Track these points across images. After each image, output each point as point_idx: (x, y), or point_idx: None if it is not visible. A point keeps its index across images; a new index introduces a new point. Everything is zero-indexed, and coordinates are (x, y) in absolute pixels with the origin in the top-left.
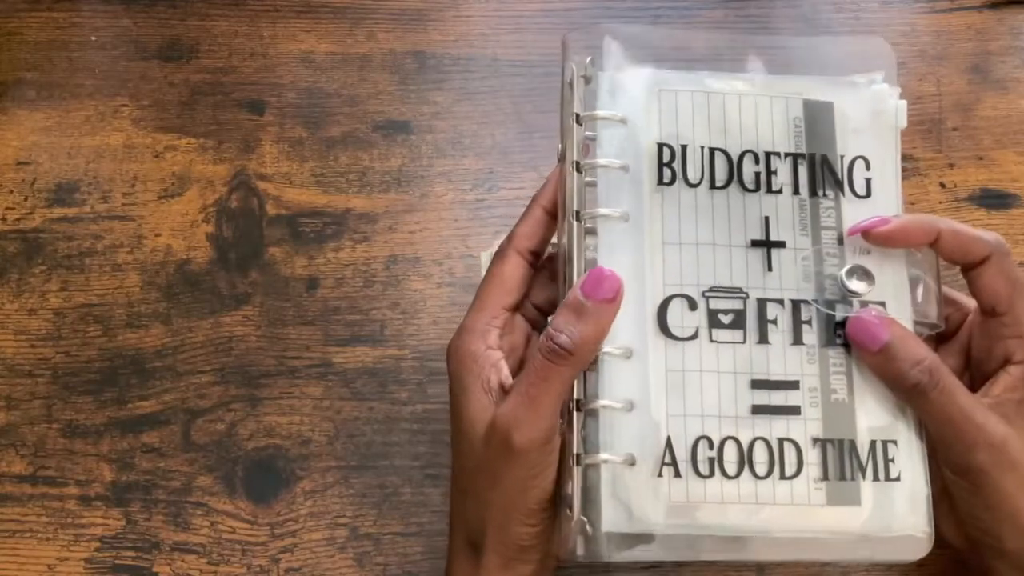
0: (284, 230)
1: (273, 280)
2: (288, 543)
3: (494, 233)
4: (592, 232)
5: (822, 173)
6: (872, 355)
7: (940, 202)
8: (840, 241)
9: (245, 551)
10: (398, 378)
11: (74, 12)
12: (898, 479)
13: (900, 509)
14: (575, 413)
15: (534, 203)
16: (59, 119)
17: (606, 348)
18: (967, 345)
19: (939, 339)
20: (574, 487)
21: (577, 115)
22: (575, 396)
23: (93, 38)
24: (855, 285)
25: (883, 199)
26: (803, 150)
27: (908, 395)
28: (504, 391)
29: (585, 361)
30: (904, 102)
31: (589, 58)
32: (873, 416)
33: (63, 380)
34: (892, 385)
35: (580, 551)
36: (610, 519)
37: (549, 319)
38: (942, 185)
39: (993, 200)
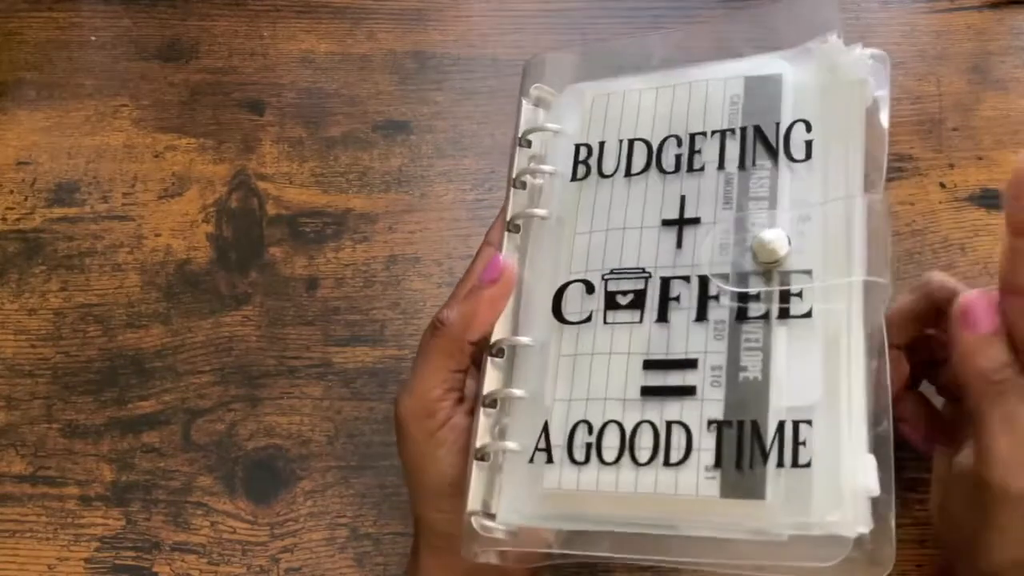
0: (284, 230)
1: (273, 280)
2: (288, 543)
3: None
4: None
5: (753, 144)
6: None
7: (940, 202)
8: (772, 208)
9: (245, 551)
10: (398, 378)
11: (74, 12)
12: (808, 465)
13: (818, 503)
14: (480, 408)
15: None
16: (59, 119)
17: (520, 339)
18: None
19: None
20: (468, 478)
21: (518, 137)
22: (482, 391)
23: (93, 38)
24: (764, 253)
25: (832, 159)
26: (736, 126)
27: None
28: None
29: (458, 337)
30: (865, 51)
31: (534, 85)
32: (793, 396)
33: (63, 380)
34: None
35: (473, 547)
36: (501, 512)
37: None
38: (942, 185)
39: (993, 200)
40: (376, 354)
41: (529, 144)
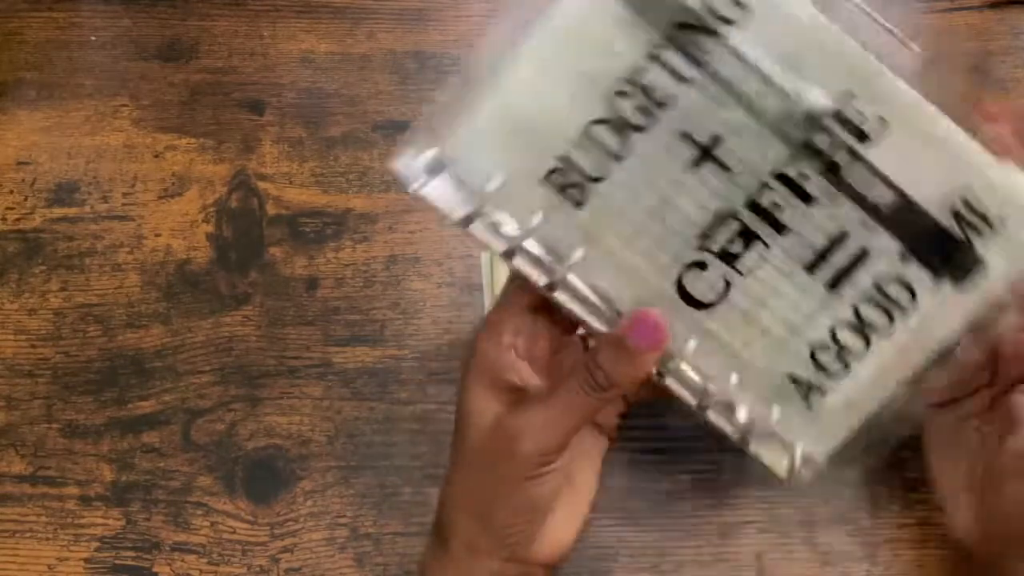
0: (284, 230)
1: (273, 280)
2: (288, 543)
3: None
4: None
5: None
6: None
7: None
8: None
9: (245, 551)
10: (398, 378)
11: (74, 12)
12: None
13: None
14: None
15: None
16: (59, 119)
17: (688, 345)
18: None
19: None
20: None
21: None
22: (687, 399)
23: (93, 38)
24: (814, 102)
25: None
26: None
27: None
28: (515, 390)
29: (616, 397)
30: None
31: None
32: (932, 185)
33: (63, 380)
34: None
35: (804, 478)
36: (811, 446)
37: (590, 343)
38: None
39: None
40: (376, 354)
41: None
